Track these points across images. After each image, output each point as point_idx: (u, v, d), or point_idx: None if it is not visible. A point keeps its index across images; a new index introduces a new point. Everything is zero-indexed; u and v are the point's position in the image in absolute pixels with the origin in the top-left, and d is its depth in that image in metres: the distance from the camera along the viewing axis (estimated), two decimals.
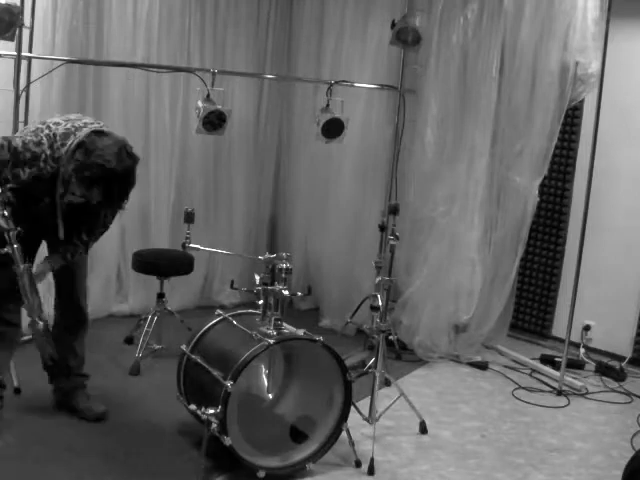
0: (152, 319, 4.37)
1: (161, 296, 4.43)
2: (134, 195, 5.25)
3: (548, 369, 4.70)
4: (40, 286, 3.10)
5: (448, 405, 4.13)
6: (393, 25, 4.57)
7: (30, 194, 3.05)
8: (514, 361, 4.90)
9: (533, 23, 4.47)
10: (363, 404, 3.60)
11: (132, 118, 4.95)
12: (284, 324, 3.22)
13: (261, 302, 3.25)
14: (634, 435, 3.84)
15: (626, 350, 4.94)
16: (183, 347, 3.38)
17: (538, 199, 4.69)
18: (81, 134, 2.94)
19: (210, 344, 3.34)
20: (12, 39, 3.71)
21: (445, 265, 4.79)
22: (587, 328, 5.07)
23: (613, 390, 4.52)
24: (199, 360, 3.23)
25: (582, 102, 4.64)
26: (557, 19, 4.37)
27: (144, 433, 3.36)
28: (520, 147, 4.61)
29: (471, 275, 4.76)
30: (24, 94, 4.07)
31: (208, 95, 4.29)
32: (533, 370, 4.74)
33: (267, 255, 3.27)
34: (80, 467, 3.05)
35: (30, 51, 4.14)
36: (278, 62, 5.69)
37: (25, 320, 4.29)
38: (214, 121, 4.31)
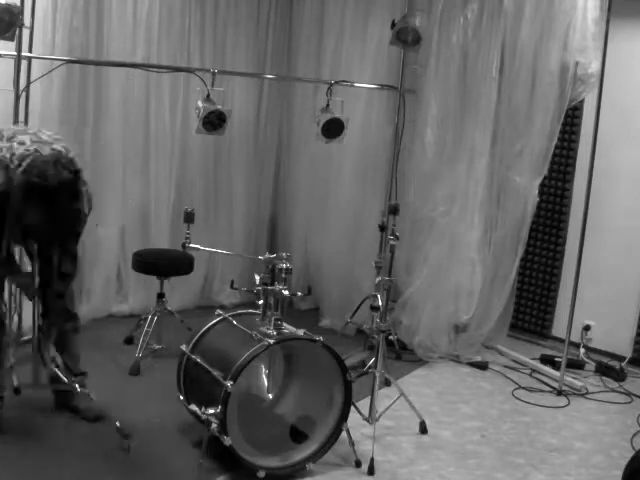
0: (152, 319, 4.37)
1: (161, 296, 4.43)
2: (134, 194, 5.27)
3: (548, 369, 4.70)
4: None
5: (448, 405, 4.13)
6: (393, 25, 4.57)
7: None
8: (514, 361, 4.90)
9: (533, 23, 4.47)
10: (363, 404, 3.60)
11: (132, 118, 4.95)
12: (284, 324, 3.22)
13: (261, 302, 3.25)
14: (634, 435, 3.84)
15: (626, 350, 4.94)
16: (183, 347, 3.38)
17: (538, 199, 4.69)
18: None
19: (210, 344, 3.34)
20: (12, 39, 3.71)
21: (445, 265, 4.79)
22: (587, 328, 5.07)
23: (613, 390, 4.52)
24: (199, 360, 3.23)
25: (582, 102, 4.64)
26: (557, 19, 4.37)
27: (144, 433, 3.35)
28: (520, 147, 4.61)
29: (471, 275, 4.76)
30: (24, 94, 4.06)
31: (208, 95, 4.29)
32: (533, 370, 4.74)
33: (267, 255, 3.27)
34: (80, 467, 3.05)
35: (30, 51, 4.14)
36: (278, 62, 5.69)
37: (25, 320, 4.33)
38: (214, 121, 4.31)
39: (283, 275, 3.20)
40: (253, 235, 5.80)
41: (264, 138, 5.74)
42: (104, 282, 5.01)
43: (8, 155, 2.91)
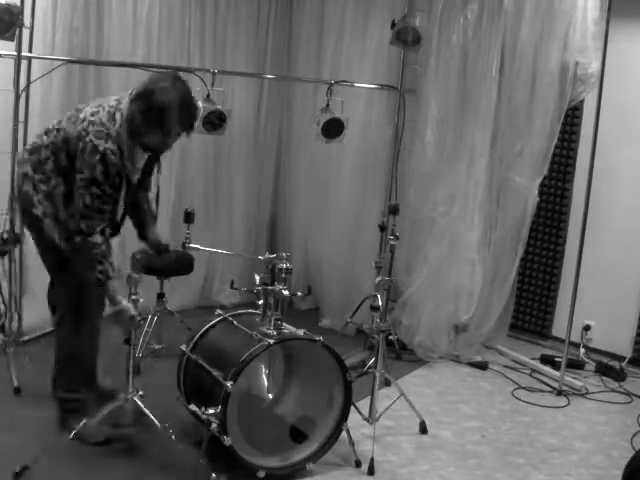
0: (152, 319, 4.37)
1: (161, 296, 4.43)
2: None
3: (548, 369, 4.70)
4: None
5: (448, 405, 4.13)
6: (393, 25, 4.57)
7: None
8: (514, 361, 4.90)
9: (533, 23, 4.47)
10: (363, 404, 3.60)
11: None
12: (284, 324, 3.22)
13: (261, 302, 3.25)
14: (634, 435, 3.84)
15: (626, 350, 4.94)
16: (183, 347, 3.38)
17: (538, 199, 4.69)
18: (125, 103, 2.97)
19: (210, 344, 3.34)
20: (12, 39, 3.71)
21: (445, 265, 4.79)
22: (587, 328, 5.07)
23: (613, 390, 4.52)
24: (199, 360, 3.23)
25: (582, 102, 4.64)
26: (557, 19, 4.37)
27: (144, 433, 3.35)
28: (520, 147, 4.61)
29: (471, 275, 4.76)
30: (24, 94, 4.07)
31: (208, 95, 4.29)
32: (533, 370, 4.74)
33: (267, 255, 3.27)
34: (80, 467, 3.06)
35: (30, 51, 4.14)
36: (278, 62, 5.69)
37: (25, 320, 4.33)
38: (214, 121, 4.31)
39: (283, 275, 3.20)
40: (253, 235, 5.80)
41: (264, 138, 5.74)
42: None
43: (98, 127, 2.92)
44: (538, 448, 3.65)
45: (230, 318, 3.38)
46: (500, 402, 4.23)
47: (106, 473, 3.05)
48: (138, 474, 3.07)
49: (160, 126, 2.94)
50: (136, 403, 3.12)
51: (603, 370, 4.77)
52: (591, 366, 4.85)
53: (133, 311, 3.05)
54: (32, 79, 4.17)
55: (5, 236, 3.99)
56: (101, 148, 2.90)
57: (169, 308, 4.52)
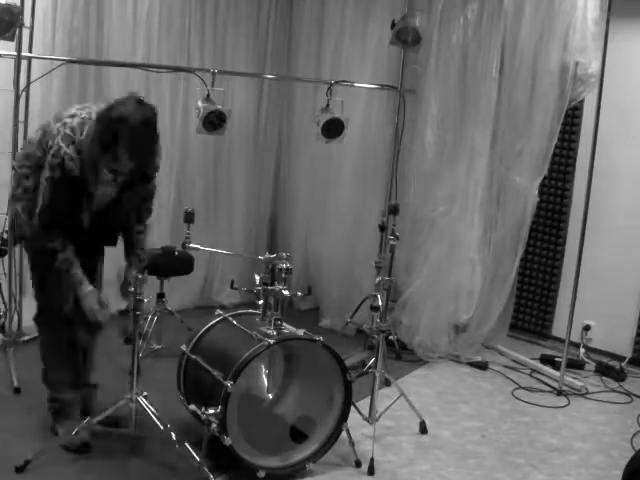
0: (152, 319, 4.36)
1: (161, 296, 4.43)
2: None
3: (548, 369, 4.70)
4: None
5: (448, 405, 4.13)
6: (393, 25, 4.57)
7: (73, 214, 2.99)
8: (514, 361, 4.90)
9: (533, 23, 4.47)
10: (363, 404, 3.60)
11: None
12: (284, 324, 3.22)
13: (261, 302, 3.25)
14: (634, 435, 3.84)
15: (626, 350, 4.94)
16: (183, 347, 3.38)
17: (538, 199, 4.69)
18: (97, 114, 2.91)
19: (210, 344, 3.34)
20: (12, 39, 3.71)
21: (445, 265, 4.79)
22: (587, 328, 5.07)
23: (613, 390, 4.52)
24: (199, 360, 3.23)
25: (582, 102, 4.64)
26: (557, 19, 4.37)
27: (144, 433, 3.35)
28: (520, 147, 4.61)
29: (471, 275, 4.76)
30: (24, 94, 4.07)
31: (208, 95, 4.29)
32: (533, 370, 4.74)
33: (267, 255, 3.27)
34: (80, 467, 3.05)
35: (30, 51, 4.14)
36: (278, 62, 5.69)
37: (25, 320, 4.33)
38: (214, 121, 4.31)
39: (283, 275, 3.19)
40: (253, 235, 5.80)
41: (264, 138, 5.74)
42: (104, 282, 4.99)
43: (68, 131, 2.89)
44: (538, 448, 3.65)
45: (230, 318, 3.38)
46: (500, 402, 4.23)
47: (106, 473, 3.05)
48: (138, 474, 3.07)
49: (109, 152, 2.87)
50: (139, 404, 3.11)
51: (603, 370, 4.77)
52: (591, 366, 4.85)
53: (96, 303, 3.03)
54: (32, 79, 4.17)
55: (5, 236, 3.99)
56: (62, 152, 2.86)
57: (169, 308, 4.52)
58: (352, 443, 3.29)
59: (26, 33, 4.02)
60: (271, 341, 3.03)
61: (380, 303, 3.49)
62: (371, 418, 3.51)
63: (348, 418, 3.24)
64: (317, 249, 5.52)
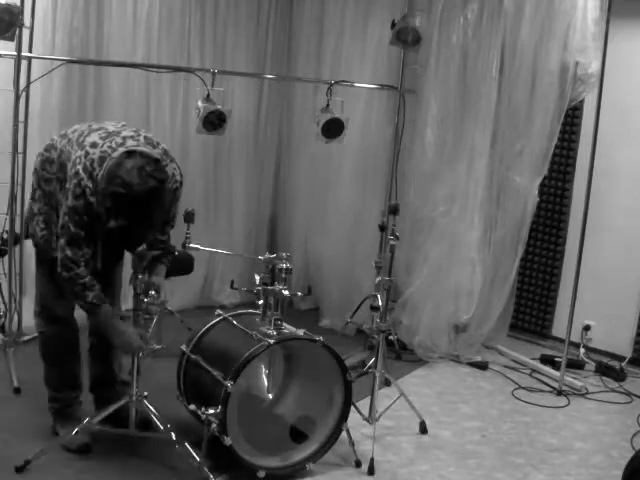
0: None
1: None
2: None
3: (548, 369, 4.70)
4: None
5: (448, 405, 4.13)
6: (393, 25, 4.57)
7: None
8: (514, 361, 4.90)
9: (533, 23, 4.47)
10: (363, 404, 3.60)
11: (132, 118, 4.93)
12: (284, 324, 3.22)
13: (261, 302, 3.25)
14: (634, 435, 3.84)
15: (626, 350, 4.94)
16: (183, 347, 3.39)
17: (538, 199, 4.69)
18: (114, 157, 2.82)
19: (210, 344, 3.34)
20: (12, 39, 3.70)
21: (445, 265, 4.79)
22: (587, 328, 5.07)
23: (613, 390, 4.52)
24: (199, 360, 3.23)
25: (582, 102, 4.64)
26: (557, 19, 4.37)
27: (144, 433, 3.35)
28: (520, 147, 4.61)
29: (471, 275, 4.76)
30: (24, 94, 4.07)
31: (208, 95, 4.28)
32: (533, 370, 4.74)
33: (267, 255, 3.27)
34: (80, 467, 3.05)
35: (30, 51, 4.14)
36: (278, 62, 5.69)
37: (25, 320, 4.32)
38: (214, 121, 4.30)
39: (283, 275, 3.19)
40: (253, 235, 5.80)
41: (264, 138, 5.74)
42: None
43: (88, 163, 2.83)
44: (538, 448, 3.65)
45: (230, 318, 3.38)
46: (500, 402, 4.23)
47: (106, 473, 3.05)
48: (138, 474, 3.07)
49: (111, 215, 2.79)
50: (139, 404, 3.11)
51: (603, 370, 4.77)
52: (591, 366, 4.85)
53: (137, 341, 3.05)
54: (32, 79, 4.16)
55: (5, 236, 4.00)
56: (83, 183, 2.82)
57: (169, 308, 4.52)
58: (352, 443, 3.29)
59: (26, 33, 4.02)
60: (271, 341, 3.03)
61: (380, 303, 3.49)
62: (371, 418, 3.51)
63: (348, 418, 3.24)
64: (317, 249, 5.52)
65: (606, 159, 4.57)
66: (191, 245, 3.46)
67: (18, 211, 3.99)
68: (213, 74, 4.32)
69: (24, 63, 4.06)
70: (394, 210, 3.58)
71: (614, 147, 4.78)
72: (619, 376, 4.69)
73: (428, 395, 4.25)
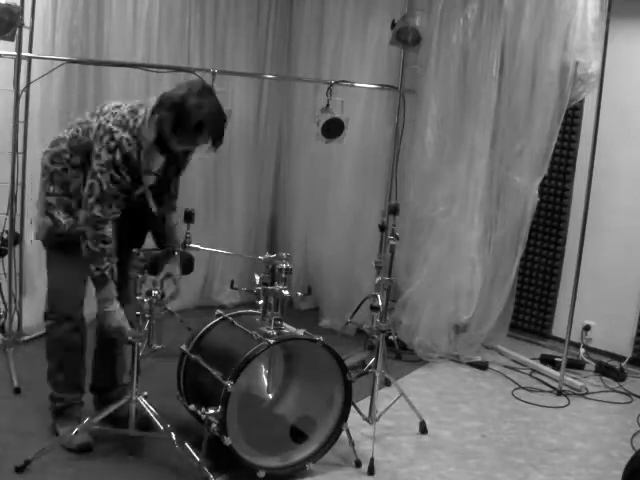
0: (152, 319, 4.35)
1: (161, 296, 4.42)
2: None
3: (548, 369, 4.70)
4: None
5: (448, 405, 4.13)
6: (393, 25, 4.57)
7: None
8: (514, 361, 4.90)
9: (533, 23, 4.47)
10: (363, 404, 3.60)
11: None
12: (284, 324, 3.22)
13: (261, 302, 3.24)
14: (634, 435, 3.84)
15: (626, 350, 4.94)
16: (183, 347, 3.39)
17: (538, 199, 4.68)
18: (151, 101, 2.96)
19: (210, 344, 3.34)
20: (12, 39, 3.71)
21: (445, 265, 4.79)
22: (587, 328, 5.07)
23: (613, 390, 4.52)
24: (199, 360, 3.23)
25: (582, 102, 4.64)
26: (557, 19, 4.37)
27: (144, 433, 3.35)
28: (520, 147, 4.61)
29: (471, 275, 4.76)
30: (24, 94, 4.07)
31: None
32: (533, 370, 4.74)
33: (267, 255, 3.26)
34: (79, 467, 3.05)
35: (30, 51, 4.14)
36: (278, 62, 5.69)
37: (25, 320, 4.32)
38: None
39: (283, 275, 3.19)
40: (253, 235, 5.80)
41: (264, 138, 5.74)
42: None
43: (119, 118, 2.94)
44: (538, 448, 3.65)
45: (230, 318, 3.38)
46: (500, 402, 4.23)
47: (106, 473, 3.05)
48: (138, 474, 3.07)
49: (190, 141, 2.98)
50: (139, 404, 3.11)
51: (603, 370, 4.77)
52: (591, 366, 4.85)
53: (120, 321, 3.04)
54: (32, 79, 4.17)
55: (5, 236, 4.00)
56: (117, 136, 2.90)
57: (169, 308, 4.52)
58: (352, 443, 3.29)
59: (26, 33, 4.02)
60: (271, 341, 3.03)
61: (380, 303, 3.49)
62: (371, 418, 3.51)
63: (348, 418, 3.24)
64: (317, 249, 5.52)
65: (606, 159, 4.57)
66: (191, 245, 3.47)
67: (18, 211, 4.00)
68: (213, 74, 4.32)
69: (24, 63, 4.06)
70: (394, 210, 3.58)
71: (614, 147, 4.78)
72: (619, 376, 4.69)
73: (428, 395, 4.25)
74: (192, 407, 3.08)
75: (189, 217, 3.53)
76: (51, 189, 3.11)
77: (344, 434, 3.25)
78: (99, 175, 2.92)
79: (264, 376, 3.47)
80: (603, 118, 4.17)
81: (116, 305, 3.06)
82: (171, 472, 3.09)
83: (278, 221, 5.99)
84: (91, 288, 3.14)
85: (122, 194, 2.99)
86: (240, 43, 5.41)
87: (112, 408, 3.14)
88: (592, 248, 4.65)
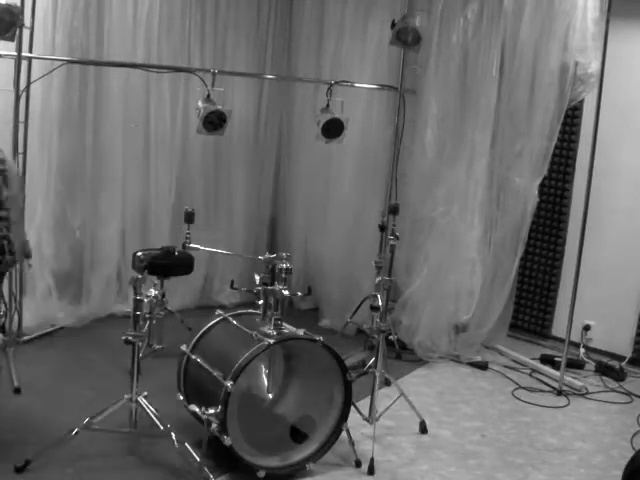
0: (152, 319, 4.36)
1: (161, 296, 4.43)
2: (134, 194, 5.27)
3: (548, 369, 4.70)
4: None
5: (448, 405, 4.13)
6: (393, 25, 4.57)
7: None
8: (514, 361, 4.90)
9: (533, 23, 4.47)
10: (363, 404, 3.60)
11: (132, 118, 4.95)
12: (284, 324, 3.22)
13: (261, 302, 3.25)
14: (634, 435, 3.84)
15: (626, 350, 4.94)
16: (183, 347, 3.38)
17: (538, 199, 4.69)
18: None
19: (210, 344, 3.34)
20: (12, 39, 3.71)
21: (445, 265, 4.79)
22: (587, 328, 5.07)
23: (613, 390, 4.52)
24: (199, 360, 3.23)
25: (582, 102, 4.64)
26: (557, 19, 4.37)
27: (144, 433, 3.35)
28: (520, 147, 4.61)
29: (471, 275, 4.76)
30: (24, 94, 4.07)
31: (208, 95, 4.29)
32: (533, 370, 4.74)
33: (267, 255, 3.27)
34: (79, 467, 3.05)
35: (30, 51, 4.14)
36: (278, 62, 5.69)
37: (25, 320, 4.32)
38: (214, 121, 4.31)
39: (283, 275, 3.19)
40: (253, 235, 5.80)
41: (264, 138, 5.74)
42: (105, 282, 5.01)
43: None
44: (538, 448, 3.65)
45: (230, 318, 3.38)
46: (500, 402, 4.23)
47: (106, 473, 3.05)
48: (138, 474, 3.07)
49: None
50: (138, 404, 3.12)
51: (603, 370, 4.77)
52: (591, 366, 4.85)
53: None
54: (32, 79, 4.17)
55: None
56: None
57: (169, 308, 4.52)
58: (352, 443, 3.29)
59: (26, 33, 4.03)
60: (271, 341, 3.03)
61: (380, 303, 3.49)
62: (371, 418, 3.51)
63: (348, 418, 3.24)
64: (317, 249, 5.52)
65: (606, 159, 4.57)
66: (191, 245, 3.47)
67: None
68: (213, 74, 4.32)
69: (24, 63, 4.06)
70: (394, 210, 3.58)
71: (614, 147, 4.78)
72: (619, 376, 4.69)
73: (428, 395, 4.25)
74: (192, 407, 3.07)
75: (189, 217, 3.53)
76: None
77: (344, 434, 3.25)
78: None
79: (264, 376, 3.47)
80: (603, 118, 4.17)
81: None
82: (171, 472, 3.09)
83: (278, 221, 5.99)
84: None
85: None
86: (240, 43, 5.42)
87: (112, 408, 3.14)
88: (592, 248, 4.65)
